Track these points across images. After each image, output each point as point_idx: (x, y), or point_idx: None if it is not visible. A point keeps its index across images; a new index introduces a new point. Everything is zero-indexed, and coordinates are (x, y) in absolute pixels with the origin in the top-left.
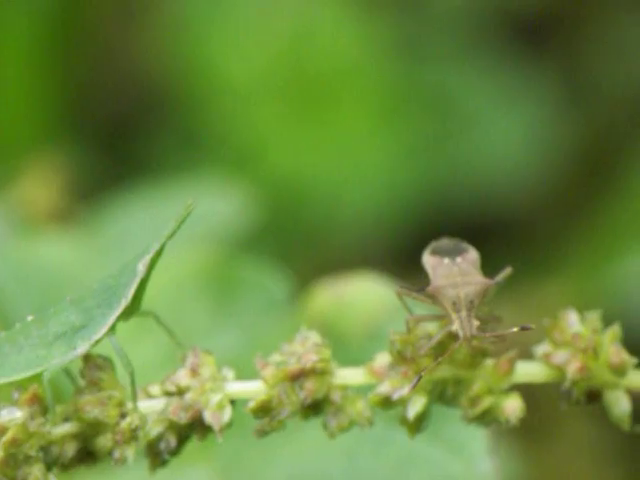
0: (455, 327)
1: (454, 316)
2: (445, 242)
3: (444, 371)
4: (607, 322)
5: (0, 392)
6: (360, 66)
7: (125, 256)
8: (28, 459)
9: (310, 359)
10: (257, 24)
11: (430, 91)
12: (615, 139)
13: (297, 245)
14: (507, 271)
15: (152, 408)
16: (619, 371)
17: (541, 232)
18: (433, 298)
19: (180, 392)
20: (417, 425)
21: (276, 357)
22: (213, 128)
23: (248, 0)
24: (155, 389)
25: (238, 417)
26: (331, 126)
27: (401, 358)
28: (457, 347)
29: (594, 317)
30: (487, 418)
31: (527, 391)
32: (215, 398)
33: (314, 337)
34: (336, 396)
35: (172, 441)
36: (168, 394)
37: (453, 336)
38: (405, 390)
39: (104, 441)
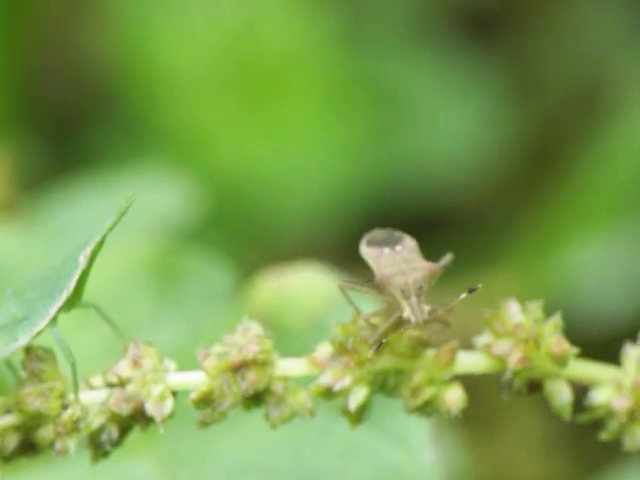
0: (406, 313)
1: (404, 303)
2: (379, 233)
3: (385, 362)
4: (551, 312)
5: None
6: (306, 57)
7: (69, 247)
8: None
9: (251, 350)
10: (202, 15)
11: (376, 83)
12: (560, 132)
13: (243, 237)
14: (448, 257)
15: (94, 399)
16: (560, 361)
17: (486, 223)
18: (380, 288)
19: (121, 383)
20: (358, 416)
21: (218, 348)
22: (159, 119)
23: None
24: (97, 380)
25: (181, 408)
26: (277, 117)
27: (342, 349)
28: (409, 329)
29: (535, 307)
30: (428, 409)
31: (471, 382)
32: (156, 389)
33: (256, 328)
34: (278, 387)
35: (114, 432)
36: (110, 385)
37: (402, 323)
38: (370, 351)
39: (46, 433)
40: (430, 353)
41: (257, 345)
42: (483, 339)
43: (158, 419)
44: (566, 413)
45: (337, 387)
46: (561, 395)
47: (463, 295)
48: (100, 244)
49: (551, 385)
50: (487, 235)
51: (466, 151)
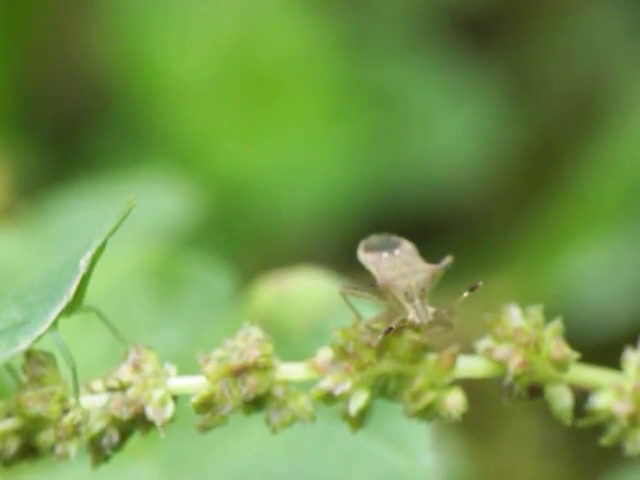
0: (411, 316)
1: (408, 306)
2: (375, 238)
3: (386, 366)
4: (551, 317)
5: None
6: (307, 62)
7: (69, 252)
8: None
9: (252, 354)
10: (202, 19)
11: (377, 88)
12: (560, 136)
13: (244, 241)
14: (448, 258)
15: (94, 404)
16: (561, 366)
17: (487, 229)
18: (382, 292)
19: (122, 388)
20: (359, 420)
21: (218, 352)
22: (160, 124)
23: None
24: (97, 385)
25: (182, 413)
26: (278, 123)
27: (343, 353)
28: (412, 331)
29: (536, 312)
30: (429, 413)
31: (472, 387)
32: (157, 393)
33: (256, 332)
34: (278, 391)
35: (114, 436)
36: (110, 390)
37: (405, 325)
38: (373, 343)
39: (46, 437)
40: (431, 357)
41: (258, 349)
42: (484, 343)
43: (159, 423)
44: (567, 418)
45: (338, 391)
46: (562, 400)
47: (465, 294)
48: (101, 248)
49: (552, 390)
50: (488, 241)
51: (467, 156)
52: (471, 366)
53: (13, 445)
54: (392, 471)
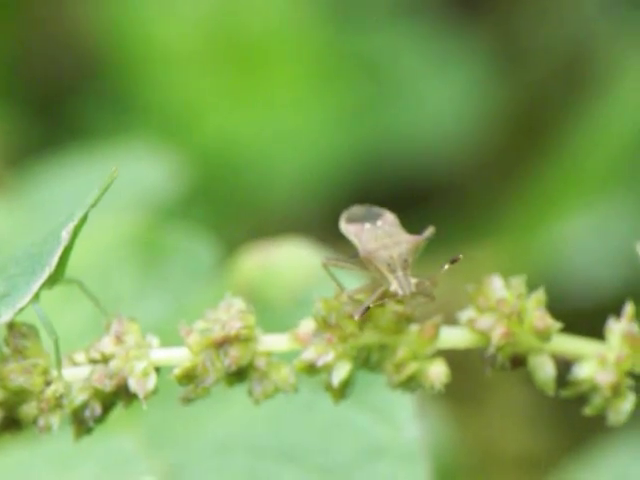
0: (394, 287)
1: (391, 277)
2: (357, 209)
3: (369, 337)
4: (537, 286)
5: None
6: (293, 32)
7: (53, 222)
8: None
9: (234, 326)
10: None
11: (364, 56)
12: (547, 104)
13: (230, 212)
14: (430, 229)
15: (77, 376)
16: (543, 336)
17: (474, 197)
18: (365, 263)
19: (104, 360)
20: (342, 391)
21: (200, 324)
22: (146, 94)
23: None
24: (80, 357)
25: (164, 385)
26: (264, 92)
27: (325, 324)
28: (395, 302)
29: (519, 282)
30: (412, 384)
31: (457, 358)
32: (140, 365)
33: (238, 304)
34: (261, 363)
35: (97, 409)
36: (93, 362)
37: (388, 296)
38: (355, 316)
39: (29, 409)
40: (414, 328)
41: (240, 321)
42: (466, 314)
43: (141, 395)
44: (550, 388)
45: (320, 362)
46: (544, 370)
47: (446, 266)
48: (83, 220)
49: (534, 360)
50: (475, 209)
51: (453, 124)
52: (454, 337)
53: None
54: (375, 442)
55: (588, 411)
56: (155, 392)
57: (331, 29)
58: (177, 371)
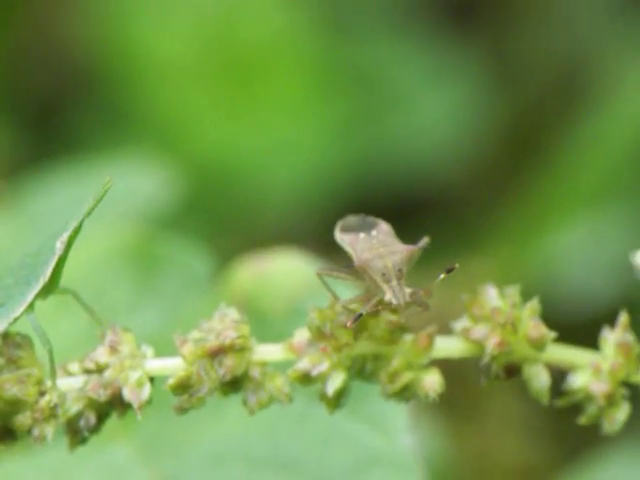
0: (388, 296)
1: (386, 286)
2: (352, 218)
3: (363, 347)
4: (532, 296)
5: None
6: (290, 42)
7: (47, 234)
8: None
9: (229, 336)
10: (185, 0)
11: (360, 67)
12: (542, 116)
13: (225, 223)
14: (425, 239)
15: (71, 386)
16: (538, 345)
17: (469, 209)
18: (360, 273)
19: (99, 369)
20: (336, 401)
21: (195, 334)
22: (141, 105)
23: None
24: (74, 367)
25: (159, 395)
26: (260, 103)
27: (320, 334)
28: (389, 311)
29: (513, 292)
30: (406, 393)
31: (452, 367)
32: (134, 375)
33: (233, 314)
34: (255, 372)
35: (91, 419)
36: (87, 372)
37: (382, 306)
38: (348, 323)
39: (23, 419)
40: (408, 338)
41: (234, 331)
42: (461, 324)
43: (136, 405)
44: (544, 397)
45: (315, 372)
46: (539, 379)
47: (442, 276)
48: (77, 230)
49: (529, 369)
50: (470, 220)
51: (449, 136)
52: (448, 346)
53: None
54: (370, 451)
55: (583, 420)
56: (150, 402)
57: (327, 41)
58: (171, 381)
